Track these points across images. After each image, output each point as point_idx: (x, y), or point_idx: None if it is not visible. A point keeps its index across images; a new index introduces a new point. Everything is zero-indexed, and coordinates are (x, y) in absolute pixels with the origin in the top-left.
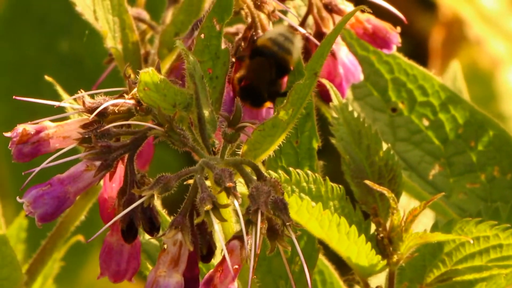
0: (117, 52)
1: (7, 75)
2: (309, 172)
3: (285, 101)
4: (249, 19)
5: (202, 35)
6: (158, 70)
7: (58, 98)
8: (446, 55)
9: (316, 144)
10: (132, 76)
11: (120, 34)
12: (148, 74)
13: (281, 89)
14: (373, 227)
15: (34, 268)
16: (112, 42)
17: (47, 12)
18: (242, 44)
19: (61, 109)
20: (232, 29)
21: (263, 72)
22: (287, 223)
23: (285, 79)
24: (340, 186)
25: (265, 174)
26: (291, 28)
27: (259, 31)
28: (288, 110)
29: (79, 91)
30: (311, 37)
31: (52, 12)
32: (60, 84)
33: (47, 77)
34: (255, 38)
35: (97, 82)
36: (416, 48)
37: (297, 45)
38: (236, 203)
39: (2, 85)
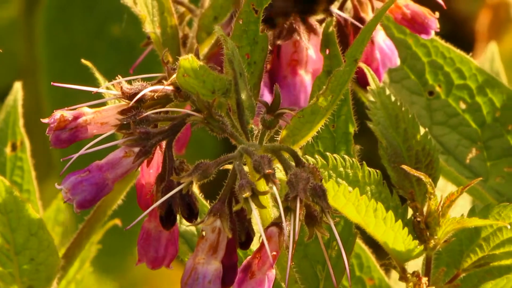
0: (155, 36)
1: (60, 59)
2: (346, 157)
3: (324, 87)
4: None
5: (240, 21)
6: (197, 56)
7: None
8: (492, 38)
9: (352, 128)
10: (171, 61)
11: (158, 18)
12: (187, 61)
13: None
14: (410, 212)
15: (71, 252)
16: (150, 27)
17: None
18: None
19: (99, 95)
20: None
21: None
22: (326, 210)
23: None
24: (377, 170)
25: (303, 160)
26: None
27: None
28: (327, 96)
29: (117, 77)
30: (352, 20)
31: None
32: (110, 69)
33: (84, 61)
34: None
35: (133, 66)
36: (456, 30)
37: None
38: (275, 190)
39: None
